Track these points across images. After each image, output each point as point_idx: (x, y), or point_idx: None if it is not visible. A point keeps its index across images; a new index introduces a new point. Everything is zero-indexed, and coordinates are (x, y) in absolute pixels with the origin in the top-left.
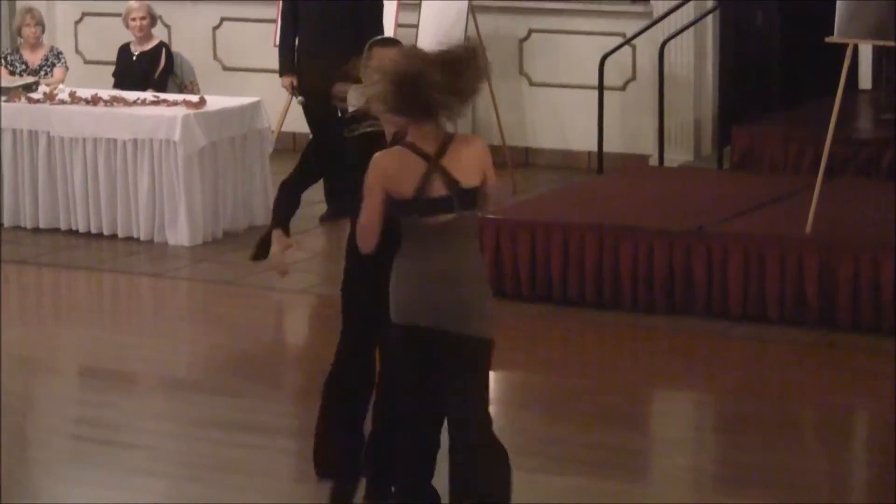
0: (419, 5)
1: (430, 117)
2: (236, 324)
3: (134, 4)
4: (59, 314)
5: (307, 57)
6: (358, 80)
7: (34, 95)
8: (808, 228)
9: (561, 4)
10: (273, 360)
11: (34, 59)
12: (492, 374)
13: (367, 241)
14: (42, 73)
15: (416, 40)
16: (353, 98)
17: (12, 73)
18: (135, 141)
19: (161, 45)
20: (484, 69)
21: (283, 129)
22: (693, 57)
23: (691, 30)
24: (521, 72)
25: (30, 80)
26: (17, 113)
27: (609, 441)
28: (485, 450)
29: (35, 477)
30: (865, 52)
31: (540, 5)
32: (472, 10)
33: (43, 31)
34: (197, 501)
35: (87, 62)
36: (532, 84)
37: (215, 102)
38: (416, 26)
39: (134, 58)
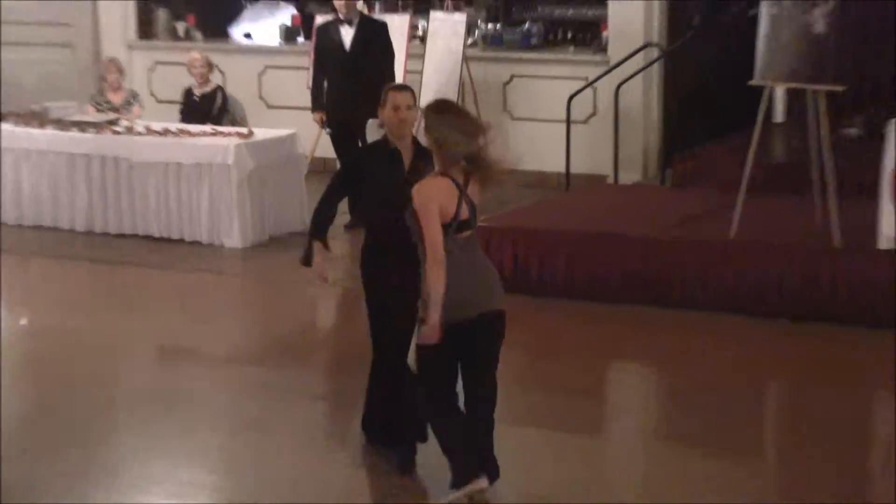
0: (423, 57)
1: (457, 162)
2: (278, 311)
3: (196, 55)
4: (139, 305)
5: (333, 97)
6: (375, 117)
7: (117, 128)
8: (732, 233)
9: (536, 55)
10: (307, 340)
11: (116, 98)
12: None
13: (440, 251)
14: (123, 110)
15: (421, 86)
16: (372, 131)
17: (99, 111)
18: (197, 164)
19: (218, 88)
20: (482, 125)
21: (315, 155)
22: (642, 97)
23: (641, 75)
24: (505, 109)
25: (113, 116)
26: (104, 142)
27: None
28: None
29: (121, 419)
30: (780, 91)
31: (520, 56)
32: (466, 60)
33: (123, 77)
34: (249, 447)
35: (159, 102)
36: (513, 118)
37: (261, 134)
38: (421, 73)
39: (196, 98)
